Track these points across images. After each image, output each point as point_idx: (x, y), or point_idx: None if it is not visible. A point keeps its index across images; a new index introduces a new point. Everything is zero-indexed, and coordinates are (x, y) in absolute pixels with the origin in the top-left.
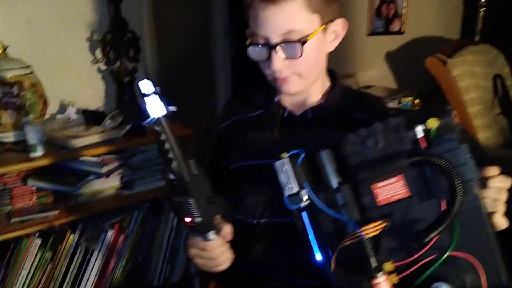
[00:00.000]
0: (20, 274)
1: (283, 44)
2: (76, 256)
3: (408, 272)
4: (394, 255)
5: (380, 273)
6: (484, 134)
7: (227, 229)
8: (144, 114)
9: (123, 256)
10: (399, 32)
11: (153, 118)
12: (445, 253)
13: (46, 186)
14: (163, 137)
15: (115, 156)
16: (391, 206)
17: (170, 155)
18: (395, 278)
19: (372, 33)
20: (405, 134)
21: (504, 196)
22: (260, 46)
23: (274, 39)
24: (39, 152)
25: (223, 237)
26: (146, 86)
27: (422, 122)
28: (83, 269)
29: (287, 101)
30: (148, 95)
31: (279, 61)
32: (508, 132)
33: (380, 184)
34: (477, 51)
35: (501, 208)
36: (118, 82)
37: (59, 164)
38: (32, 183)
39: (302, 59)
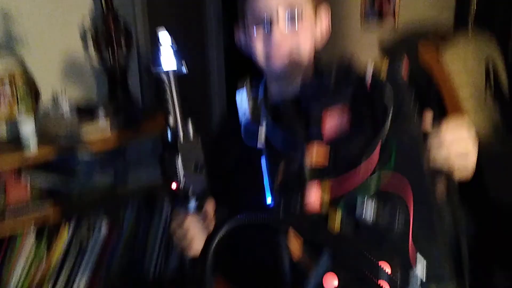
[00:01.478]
0: (15, 270)
1: (286, 15)
2: (71, 251)
3: (343, 191)
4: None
5: (313, 181)
6: (474, 118)
7: (209, 206)
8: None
9: (118, 251)
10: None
11: (163, 69)
12: (380, 174)
13: (40, 182)
14: (166, 87)
15: (109, 151)
16: (336, 136)
17: (169, 108)
18: (326, 195)
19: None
20: (355, 74)
21: (456, 148)
22: (260, 22)
23: (276, 11)
24: (32, 148)
25: (204, 215)
26: (164, 37)
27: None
28: (78, 264)
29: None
30: (164, 45)
31: (280, 34)
32: (498, 116)
33: (328, 113)
34: (469, 36)
35: (456, 163)
36: (111, 78)
37: (53, 160)
38: (26, 179)
39: (302, 32)
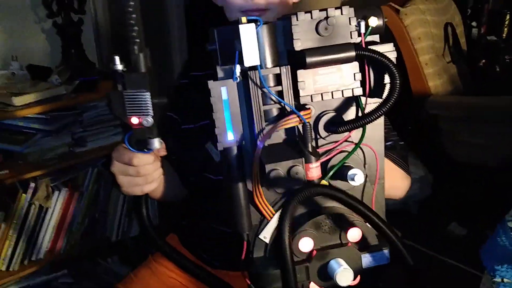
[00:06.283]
0: None
1: None
2: (30, 215)
3: (326, 158)
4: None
5: (315, 158)
6: (435, 82)
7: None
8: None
9: (79, 213)
10: None
11: None
12: (358, 144)
13: None
14: (131, 7)
15: (65, 113)
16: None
17: (134, 32)
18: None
19: None
20: (353, 28)
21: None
22: None
23: None
24: None
25: (157, 151)
26: None
27: (363, 18)
28: (38, 228)
29: None
30: None
31: None
32: (458, 79)
33: (321, 71)
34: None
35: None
36: (63, 36)
37: (4, 123)
38: None
39: None
